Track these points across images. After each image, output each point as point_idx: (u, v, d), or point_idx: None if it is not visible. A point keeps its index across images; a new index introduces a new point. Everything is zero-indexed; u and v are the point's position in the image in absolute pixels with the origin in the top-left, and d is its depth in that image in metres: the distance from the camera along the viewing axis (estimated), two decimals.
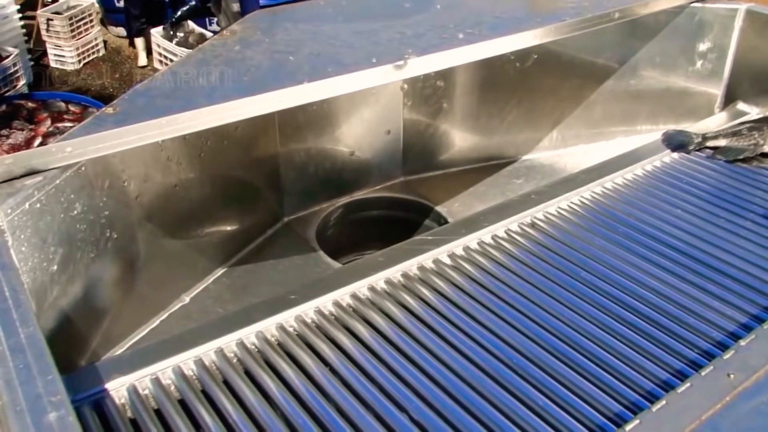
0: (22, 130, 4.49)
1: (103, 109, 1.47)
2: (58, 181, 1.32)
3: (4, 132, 4.44)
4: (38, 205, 1.28)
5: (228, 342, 1.34)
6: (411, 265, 1.56)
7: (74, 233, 1.40)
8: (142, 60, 6.08)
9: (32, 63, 5.57)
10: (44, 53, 5.91)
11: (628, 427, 1.09)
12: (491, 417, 1.18)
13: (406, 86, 2.36)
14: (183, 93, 1.54)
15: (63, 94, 4.99)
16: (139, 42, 6.05)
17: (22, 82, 5.20)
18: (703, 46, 2.36)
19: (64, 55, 5.84)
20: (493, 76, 2.45)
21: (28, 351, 0.97)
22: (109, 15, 6.35)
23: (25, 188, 1.27)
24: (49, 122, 4.59)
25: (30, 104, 4.75)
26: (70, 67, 5.85)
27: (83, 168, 1.38)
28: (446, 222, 2.25)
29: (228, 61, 1.68)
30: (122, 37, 6.37)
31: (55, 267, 1.34)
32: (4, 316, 1.02)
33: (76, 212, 1.39)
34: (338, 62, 1.65)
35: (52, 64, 5.87)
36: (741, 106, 2.36)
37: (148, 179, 1.64)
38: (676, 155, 2.06)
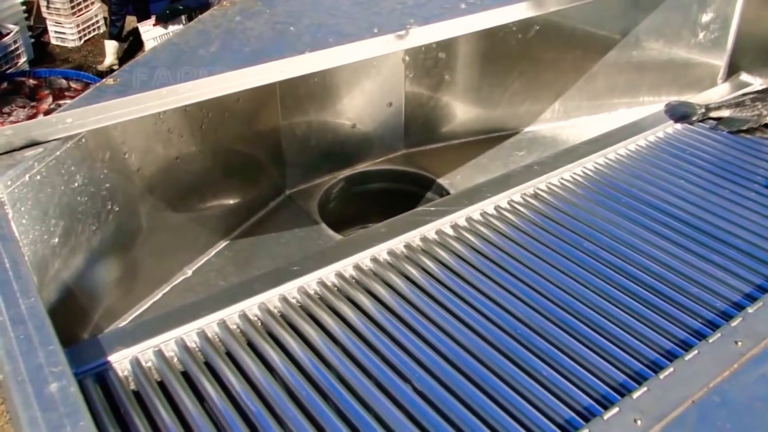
0: (24, 107, 4.47)
1: (104, 80, 1.45)
2: (58, 153, 1.30)
3: (6, 109, 4.42)
4: (38, 177, 1.26)
5: (230, 314, 1.32)
6: (413, 236, 1.54)
7: (75, 205, 1.38)
8: (108, 62, 5.59)
9: (33, 40, 5.53)
10: (45, 30, 5.86)
11: (636, 394, 1.08)
12: (495, 387, 1.17)
13: (407, 58, 2.33)
14: (184, 64, 1.52)
15: (64, 71, 4.95)
16: (110, 45, 5.64)
17: (23, 59, 5.16)
18: (706, 17, 2.34)
19: (64, 32, 5.79)
20: (494, 47, 2.42)
21: (29, 322, 0.96)
22: None
23: (25, 160, 1.25)
24: (50, 99, 4.56)
25: (31, 81, 4.72)
26: (70, 44, 5.81)
27: (84, 140, 1.36)
28: (448, 194, 2.23)
29: (228, 31, 1.66)
30: None
31: (57, 240, 1.33)
32: (4, 288, 1.01)
33: (76, 184, 1.37)
34: (339, 32, 1.63)
35: (53, 41, 5.83)
36: (744, 77, 2.34)
37: (149, 152, 1.62)
38: (679, 126, 2.04)
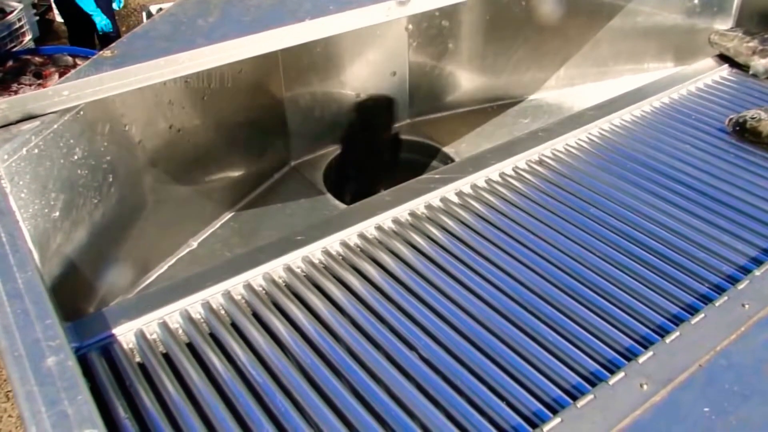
0: (30, 85, 4.44)
1: (101, 52, 1.42)
2: (56, 126, 1.28)
3: (13, 87, 4.40)
4: (36, 151, 1.24)
5: (235, 284, 1.30)
6: (418, 204, 1.52)
7: (75, 179, 1.36)
8: None
9: (37, 18, 5.49)
10: (49, 7, 5.82)
11: (641, 359, 1.06)
12: (500, 353, 1.15)
13: (410, 27, 2.30)
14: (182, 34, 1.49)
15: (70, 48, 4.92)
16: None
17: (28, 37, 5.13)
18: None
19: None
20: (498, 15, 2.39)
21: (25, 296, 0.94)
22: None
23: (22, 133, 1.23)
24: (56, 77, 4.53)
25: (37, 59, 4.68)
26: None
27: (82, 112, 1.34)
28: (453, 162, 2.21)
29: (227, 1, 1.63)
30: None
31: (57, 213, 1.31)
32: (1, 262, 0.99)
33: (76, 157, 1.35)
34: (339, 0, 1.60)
35: (58, 18, 5.78)
36: None
37: (150, 123, 1.60)
38: (684, 91, 2.01)
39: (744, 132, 1.76)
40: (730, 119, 1.81)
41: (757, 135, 1.74)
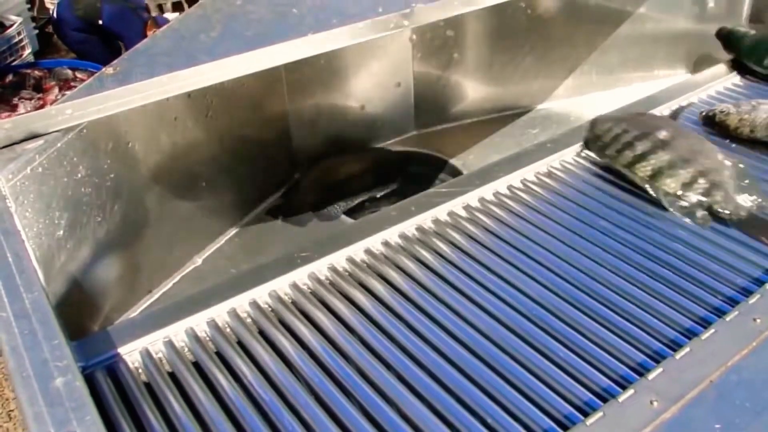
0: (30, 99, 4.46)
1: (103, 69, 1.45)
2: (59, 145, 1.30)
3: (13, 101, 4.42)
4: (40, 170, 1.26)
5: (241, 302, 1.32)
6: (425, 219, 1.53)
7: (79, 197, 1.38)
8: None
9: (37, 31, 5.52)
10: (48, 21, 5.85)
11: (651, 375, 1.07)
12: (511, 370, 1.16)
13: (414, 37, 2.32)
14: (185, 50, 1.52)
15: (70, 61, 4.94)
16: None
17: (27, 50, 5.15)
18: None
19: None
20: (504, 24, 2.41)
21: (32, 316, 0.96)
22: None
23: (25, 153, 1.25)
24: (56, 90, 4.56)
25: (37, 73, 4.71)
26: None
27: (85, 130, 1.36)
28: (461, 174, 2.22)
29: (229, 15, 1.65)
30: None
31: (62, 232, 1.33)
32: (7, 282, 1.01)
33: (80, 175, 1.37)
34: (342, 13, 1.62)
35: None
36: None
37: (153, 140, 1.62)
38: (695, 99, 2.02)
39: (713, 125, 1.82)
40: (701, 113, 1.87)
41: (724, 128, 1.79)
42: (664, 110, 1.95)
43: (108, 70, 1.42)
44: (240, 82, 1.79)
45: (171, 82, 1.40)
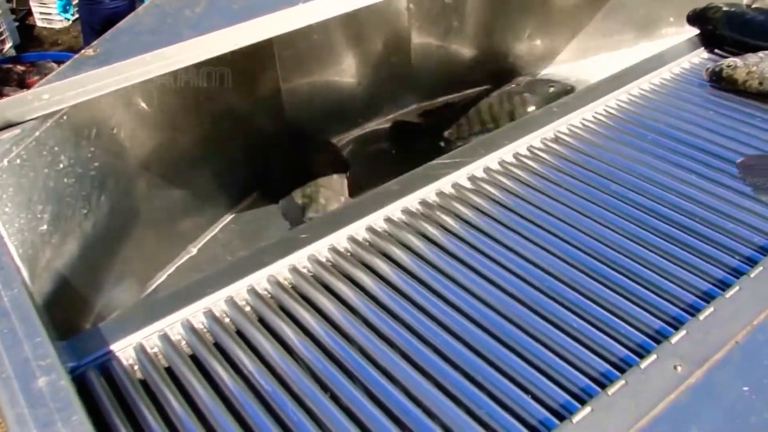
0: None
1: (82, 51, 1.42)
2: (37, 133, 1.28)
3: None
4: (18, 161, 1.24)
5: (238, 290, 1.30)
6: (429, 192, 1.51)
7: (63, 189, 1.36)
8: None
9: (17, 24, 5.50)
10: (29, 12, 5.83)
11: (674, 339, 1.05)
12: (523, 344, 1.15)
13: (411, 6, 2.29)
14: (169, 27, 1.49)
15: (54, 54, 4.93)
16: None
17: (8, 44, 5.14)
18: None
19: (50, 12, 5.74)
20: None
21: (12, 314, 0.94)
22: None
23: (1, 143, 1.23)
24: None
25: (20, 67, 4.69)
26: (58, 26, 5.76)
27: (65, 117, 1.34)
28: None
29: None
30: None
31: (45, 227, 1.31)
32: None
33: (62, 166, 1.35)
34: None
35: (39, 24, 5.79)
36: None
37: (140, 125, 1.60)
38: (706, 55, 1.99)
39: (720, 80, 1.80)
40: (707, 69, 1.84)
41: (732, 83, 1.78)
42: (673, 68, 1.93)
43: (88, 51, 1.40)
44: (230, 61, 1.76)
45: (155, 61, 1.37)
